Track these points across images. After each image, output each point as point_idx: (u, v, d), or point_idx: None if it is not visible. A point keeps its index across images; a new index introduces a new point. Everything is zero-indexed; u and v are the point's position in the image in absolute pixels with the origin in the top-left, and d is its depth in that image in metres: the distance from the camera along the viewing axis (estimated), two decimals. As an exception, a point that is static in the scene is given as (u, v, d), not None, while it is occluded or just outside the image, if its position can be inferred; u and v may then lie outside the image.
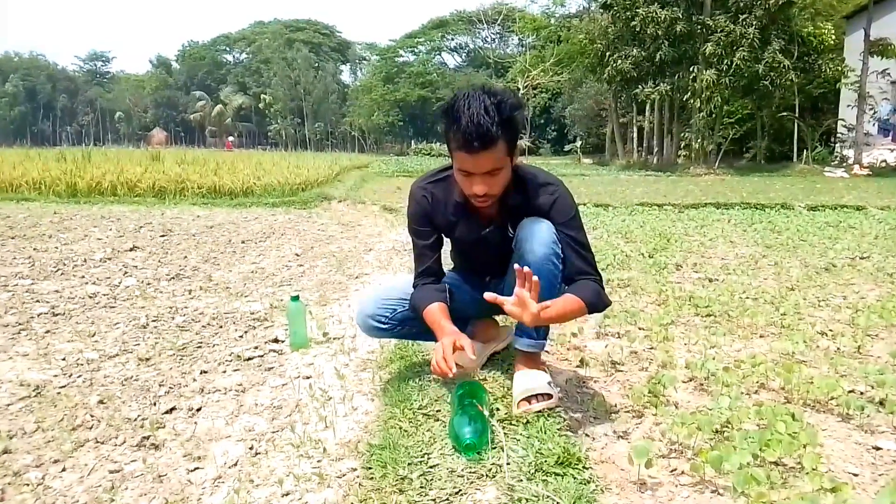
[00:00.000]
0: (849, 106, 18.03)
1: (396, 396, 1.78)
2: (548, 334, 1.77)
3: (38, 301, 3.10)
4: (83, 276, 3.67)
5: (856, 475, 1.43)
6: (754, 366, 2.03)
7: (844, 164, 17.07)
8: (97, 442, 1.65)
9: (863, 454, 1.53)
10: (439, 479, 1.34)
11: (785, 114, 19.35)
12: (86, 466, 1.53)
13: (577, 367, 2.14)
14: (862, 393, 1.89)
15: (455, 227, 1.82)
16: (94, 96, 73.84)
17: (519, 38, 46.11)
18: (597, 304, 1.67)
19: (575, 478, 1.32)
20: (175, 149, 29.03)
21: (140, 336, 2.56)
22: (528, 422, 1.56)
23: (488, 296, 1.53)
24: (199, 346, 2.44)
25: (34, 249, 4.54)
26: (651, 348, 2.33)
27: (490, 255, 1.85)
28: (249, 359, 2.29)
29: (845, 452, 1.54)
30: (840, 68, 17.27)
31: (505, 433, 1.49)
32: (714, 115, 18.58)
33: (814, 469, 1.35)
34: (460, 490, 1.30)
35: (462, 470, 1.36)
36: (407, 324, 1.90)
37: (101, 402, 1.89)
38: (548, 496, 1.25)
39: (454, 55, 58.00)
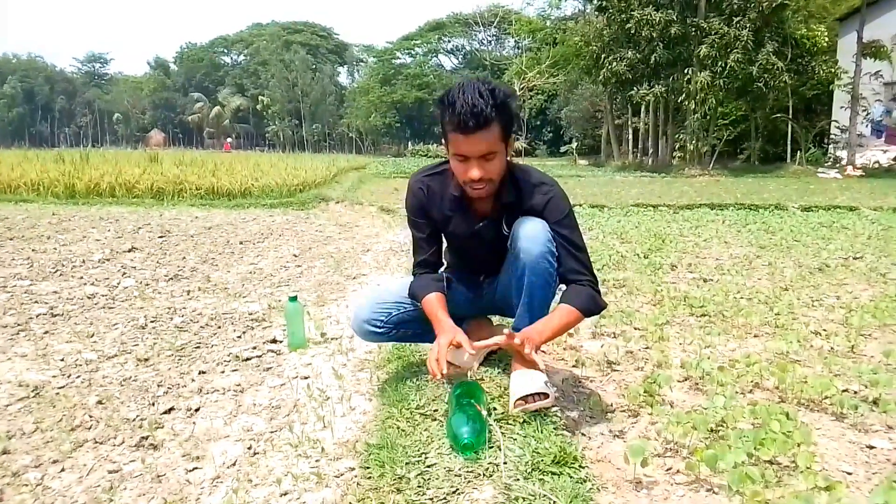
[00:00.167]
0: (842, 107, 18.12)
1: (394, 396, 1.79)
2: None
3: (36, 302, 3.10)
4: (82, 277, 3.67)
5: (850, 474, 1.45)
6: (749, 365, 2.05)
7: (838, 166, 17.15)
8: (96, 442, 1.66)
9: (857, 453, 1.54)
10: (437, 479, 1.34)
11: (779, 115, 19.42)
12: (84, 467, 1.54)
13: (574, 366, 2.15)
14: (855, 392, 1.91)
15: (450, 222, 1.83)
16: (93, 98, 73.65)
17: (515, 41, 46.23)
18: (592, 309, 1.70)
19: (571, 477, 1.33)
20: (173, 150, 29.04)
21: (138, 337, 2.56)
22: (524, 421, 1.57)
23: (479, 345, 1.61)
24: (198, 347, 2.44)
25: (33, 250, 4.54)
26: (646, 348, 2.35)
27: (483, 251, 1.86)
28: (248, 359, 2.30)
29: (839, 451, 1.55)
30: (833, 70, 17.36)
31: (502, 432, 1.50)
32: (708, 117, 18.64)
33: (808, 468, 1.37)
34: (458, 489, 1.31)
35: (459, 469, 1.37)
36: (403, 327, 1.91)
37: (99, 402, 1.89)
38: (544, 495, 1.26)
39: (451, 57, 58.00)
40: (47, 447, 1.63)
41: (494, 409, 1.65)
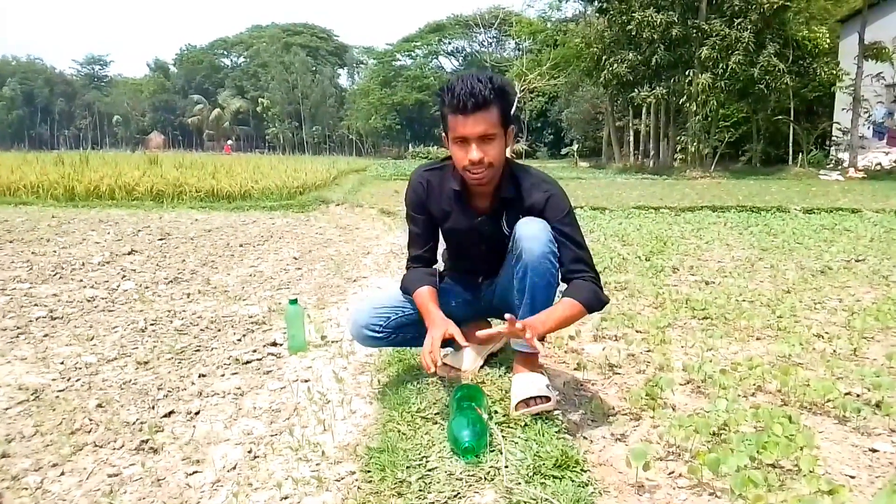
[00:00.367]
0: (843, 109, 18.14)
1: (395, 399, 1.78)
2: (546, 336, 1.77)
3: (36, 305, 3.09)
4: (81, 280, 3.67)
5: (853, 477, 1.44)
6: (751, 368, 2.04)
7: (839, 168, 17.16)
8: (96, 446, 1.65)
9: (859, 456, 1.54)
10: (438, 483, 1.34)
11: (780, 117, 19.44)
12: (84, 470, 1.53)
13: (575, 369, 2.14)
14: (858, 395, 1.90)
15: (449, 217, 1.84)
16: (92, 100, 73.81)
17: (515, 42, 46.27)
18: (594, 304, 1.68)
19: (573, 480, 1.32)
20: (173, 152, 29.04)
21: (138, 340, 2.55)
22: (526, 424, 1.57)
23: (481, 334, 1.56)
24: (198, 350, 2.44)
25: (32, 253, 4.54)
26: (648, 351, 2.34)
27: (482, 248, 1.86)
28: (248, 362, 2.29)
29: (842, 455, 1.54)
30: (834, 72, 17.38)
31: (503, 436, 1.50)
32: (710, 119, 18.67)
33: (811, 471, 1.36)
34: (459, 493, 1.30)
35: (460, 473, 1.37)
36: (402, 331, 1.91)
37: (99, 405, 1.89)
38: (546, 499, 1.25)
39: (451, 59, 58.09)
40: (47, 451, 1.62)
41: (496, 412, 1.65)
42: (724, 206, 7.90)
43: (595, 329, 2.59)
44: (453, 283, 2.00)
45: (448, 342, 1.68)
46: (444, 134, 1.71)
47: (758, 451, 1.44)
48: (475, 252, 1.90)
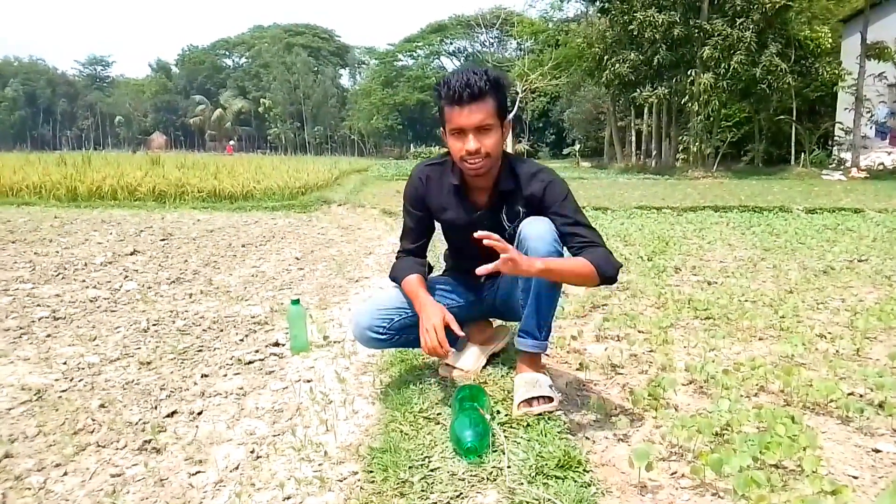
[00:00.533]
0: (846, 109, 18.10)
1: (397, 400, 1.78)
2: (549, 335, 1.77)
3: (38, 305, 3.10)
4: (84, 280, 3.67)
5: (856, 478, 1.44)
6: (754, 368, 2.04)
7: (842, 167, 17.12)
8: (98, 446, 1.65)
9: (862, 457, 1.53)
10: (440, 483, 1.34)
11: (782, 117, 19.41)
12: (87, 470, 1.53)
13: (577, 370, 2.14)
14: (861, 395, 1.90)
15: (447, 211, 1.84)
16: (94, 101, 73.94)
17: (517, 42, 46.18)
18: (605, 267, 1.64)
19: (575, 481, 1.32)
20: (175, 153, 29.11)
21: (141, 340, 2.56)
22: (528, 425, 1.57)
23: (481, 233, 1.52)
24: (200, 350, 2.44)
25: (35, 254, 4.55)
26: (651, 351, 2.34)
27: (482, 244, 1.85)
28: (250, 362, 2.30)
29: (845, 455, 1.54)
30: (837, 71, 17.35)
31: (506, 436, 1.50)
32: (712, 119, 18.64)
33: (814, 472, 1.36)
34: (461, 493, 1.30)
35: (463, 473, 1.37)
36: (405, 332, 1.89)
37: (102, 406, 1.89)
38: (549, 499, 1.25)
39: (453, 59, 58.00)
40: (50, 451, 1.63)
41: (498, 412, 1.65)
42: (726, 206, 7.89)
43: (597, 329, 2.59)
44: (455, 283, 2.00)
45: (451, 340, 1.69)
46: (442, 129, 1.72)
47: (761, 452, 1.43)
48: (475, 251, 1.90)
